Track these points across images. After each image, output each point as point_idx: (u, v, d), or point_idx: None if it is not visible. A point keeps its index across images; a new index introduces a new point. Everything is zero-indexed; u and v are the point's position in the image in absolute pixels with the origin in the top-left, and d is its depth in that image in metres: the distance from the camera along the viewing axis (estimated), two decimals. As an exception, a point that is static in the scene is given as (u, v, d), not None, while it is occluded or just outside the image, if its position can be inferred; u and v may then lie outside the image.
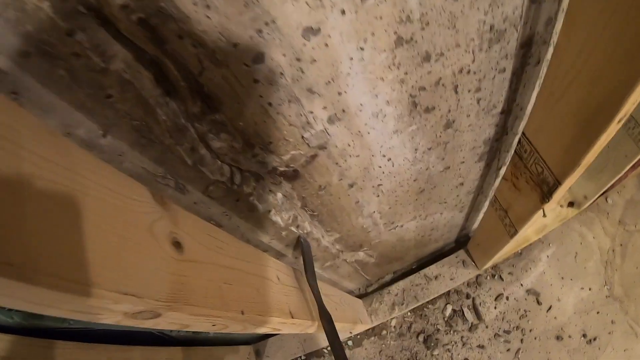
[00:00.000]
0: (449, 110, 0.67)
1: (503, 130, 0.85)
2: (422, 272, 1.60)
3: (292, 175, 0.65)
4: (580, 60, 0.55)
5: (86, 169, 0.37)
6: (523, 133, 0.80)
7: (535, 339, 1.54)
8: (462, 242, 1.63)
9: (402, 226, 1.12)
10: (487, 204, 1.28)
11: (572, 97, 0.60)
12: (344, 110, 0.56)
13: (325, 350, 1.65)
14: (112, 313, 0.36)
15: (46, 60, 0.33)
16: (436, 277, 1.57)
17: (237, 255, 0.64)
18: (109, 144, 0.44)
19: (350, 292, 1.65)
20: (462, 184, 1.02)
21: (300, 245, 0.87)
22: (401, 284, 1.60)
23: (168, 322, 0.45)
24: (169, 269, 0.45)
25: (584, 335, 1.53)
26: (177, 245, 0.49)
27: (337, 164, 0.67)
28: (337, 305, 1.18)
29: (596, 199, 1.49)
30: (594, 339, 1.52)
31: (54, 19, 0.31)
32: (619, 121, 0.56)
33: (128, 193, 0.42)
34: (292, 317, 0.75)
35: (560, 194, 0.79)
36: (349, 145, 0.64)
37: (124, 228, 0.39)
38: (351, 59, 0.48)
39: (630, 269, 1.59)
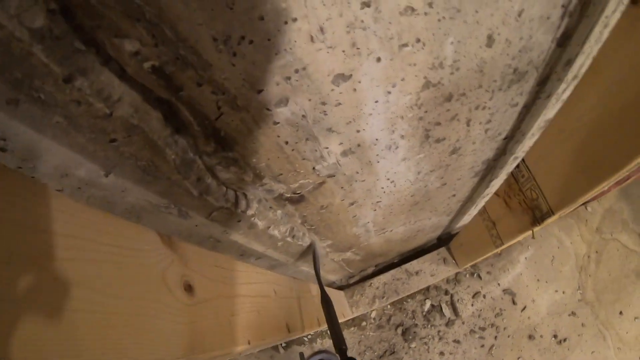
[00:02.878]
0: (457, 140, 0.64)
1: (503, 152, 0.82)
2: (404, 267, 1.59)
3: (297, 200, 0.62)
4: (598, 109, 0.53)
5: (90, 230, 0.32)
6: (523, 160, 0.77)
7: (508, 336, 1.57)
8: (444, 239, 1.62)
9: (391, 231, 1.09)
10: (473, 208, 1.27)
11: (581, 140, 0.58)
12: (359, 145, 0.52)
13: (305, 339, 1.63)
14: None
15: (40, 107, 0.28)
16: (417, 273, 1.57)
17: (240, 280, 0.60)
18: (112, 182, 0.38)
19: (332, 283, 1.63)
20: (454, 195, 0.99)
21: (312, 247, 0.88)
22: (382, 277, 1.59)
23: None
24: (184, 319, 0.42)
25: (555, 336, 1.57)
26: (189, 288, 0.45)
27: (342, 188, 0.63)
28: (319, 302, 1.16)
29: (577, 206, 1.50)
30: (564, 340, 1.56)
31: (47, 64, 0.26)
32: (627, 171, 0.54)
33: (137, 244, 0.38)
34: (289, 332, 0.72)
35: (551, 221, 0.78)
36: (357, 172, 0.60)
37: (139, 288, 0.35)
38: (376, 101, 0.44)
39: (604, 275, 1.62)
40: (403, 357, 1.56)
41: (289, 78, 0.35)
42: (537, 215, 0.80)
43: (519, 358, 1.54)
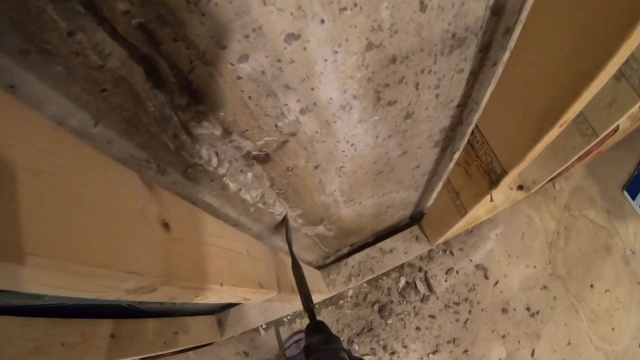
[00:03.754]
0: (409, 104, 0.74)
1: (458, 120, 0.93)
2: (378, 245, 1.69)
3: (264, 159, 0.71)
4: (533, 69, 0.63)
5: (82, 159, 0.41)
6: (476, 125, 0.88)
7: (482, 310, 1.69)
8: (416, 218, 1.73)
9: (360, 203, 1.19)
10: (440, 184, 1.37)
11: (523, 99, 0.68)
12: (315, 103, 0.61)
13: (285, 319, 1.74)
14: (117, 291, 0.42)
15: (45, 57, 0.37)
16: (391, 251, 1.67)
17: (213, 232, 0.69)
18: (100, 132, 0.48)
19: (309, 264, 1.72)
20: (418, 166, 1.10)
21: (285, 220, 1.00)
22: (357, 256, 1.69)
23: (161, 295, 0.51)
24: (161, 248, 0.50)
25: (528, 309, 1.69)
26: (166, 225, 0.54)
27: (305, 148, 0.73)
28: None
29: (544, 184, 1.61)
30: (537, 313, 1.68)
31: (56, 20, 0.35)
32: (560, 125, 0.64)
33: (121, 180, 0.47)
34: (262, 287, 0.81)
35: (507, 181, 0.88)
36: (317, 132, 0.69)
37: (121, 213, 0.44)
38: (325, 60, 0.53)
39: (573, 250, 1.74)
40: (380, 333, 1.67)
41: (247, 36, 0.44)
42: (493, 178, 0.90)
43: (493, 331, 1.65)
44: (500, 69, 0.79)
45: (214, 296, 0.65)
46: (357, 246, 1.79)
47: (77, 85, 0.41)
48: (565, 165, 1.42)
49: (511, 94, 0.70)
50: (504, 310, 1.68)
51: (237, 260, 0.76)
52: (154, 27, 0.40)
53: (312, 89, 0.58)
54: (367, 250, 1.69)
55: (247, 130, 0.61)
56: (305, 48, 0.50)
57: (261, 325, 1.72)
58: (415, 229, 1.68)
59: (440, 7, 0.55)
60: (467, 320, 1.67)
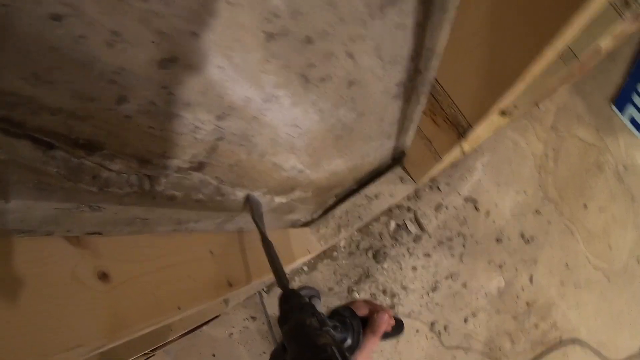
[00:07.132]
0: (348, 73, 0.67)
1: (415, 70, 0.85)
2: (363, 192, 1.65)
3: (199, 167, 0.65)
4: (485, 29, 0.56)
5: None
6: (436, 78, 0.81)
7: (476, 243, 1.67)
8: (398, 158, 1.67)
9: (330, 165, 1.14)
10: (415, 126, 1.31)
11: (477, 60, 0.61)
12: (230, 107, 0.54)
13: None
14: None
15: None
16: (376, 196, 1.63)
17: (165, 252, 0.64)
18: (15, 205, 0.42)
19: (297, 221, 1.69)
20: (382, 119, 1.03)
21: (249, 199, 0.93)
22: (344, 206, 1.65)
23: (111, 348, 0.48)
24: (102, 304, 0.47)
25: (522, 236, 1.68)
26: (104, 276, 0.50)
27: (241, 145, 0.67)
28: (284, 247, 1.23)
29: (528, 109, 1.54)
30: (532, 239, 1.68)
31: None
32: (521, 82, 0.58)
33: (43, 254, 0.42)
34: (231, 286, 0.78)
35: (475, 134, 0.83)
36: (248, 128, 0.63)
37: (51, 289, 0.41)
38: (221, 67, 0.46)
39: (564, 172, 1.70)
40: (378, 278, 1.67)
41: (114, 81, 0.37)
42: (460, 131, 0.84)
43: (489, 262, 1.65)
44: (452, 13, 0.70)
45: (174, 320, 0.62)
46: (342, 195, 1.75)
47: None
48: (546, 90, 1.35)
49: (466, 49, 0.63)
50: (498, 240, 1.67)
51: (198, 269, 0.72)
52: (3, 114, 0.33)
53: (221, 97, 0.51)
54: (352, 199, 1.65)
55: (166, 152, 0.55)
56: (189, 65, 0.43)
57: (263, 289, 1.73)
58: (398, 169, 1.63)
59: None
60: (462, 254, 1.67)
